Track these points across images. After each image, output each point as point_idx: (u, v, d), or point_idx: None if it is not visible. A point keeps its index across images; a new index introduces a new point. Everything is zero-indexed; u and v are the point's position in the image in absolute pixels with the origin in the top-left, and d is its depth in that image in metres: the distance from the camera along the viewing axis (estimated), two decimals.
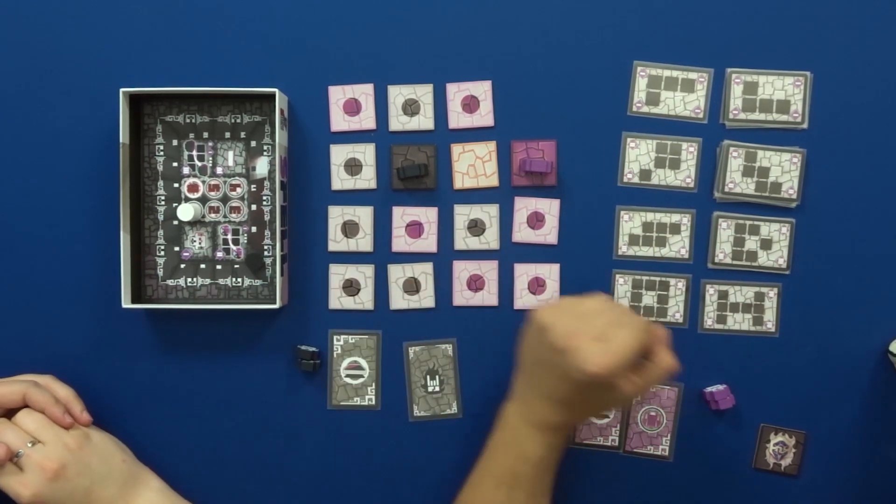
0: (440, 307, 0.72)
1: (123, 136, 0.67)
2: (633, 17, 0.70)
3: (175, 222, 0.71)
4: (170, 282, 0.71)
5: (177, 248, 0.71)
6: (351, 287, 0.72)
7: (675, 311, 0.72)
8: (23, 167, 0.71)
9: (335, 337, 0.72)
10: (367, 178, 0.71)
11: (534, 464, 0.63)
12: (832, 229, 0.71)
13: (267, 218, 0.71)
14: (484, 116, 0.71)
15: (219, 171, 0.71)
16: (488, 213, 0.72)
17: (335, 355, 0.72)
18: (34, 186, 0.71)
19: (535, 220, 0.71)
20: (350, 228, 0.71)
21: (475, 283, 0.72)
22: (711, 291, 0.72)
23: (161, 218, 0.71)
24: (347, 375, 0.73)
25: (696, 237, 0.71)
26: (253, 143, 0.71)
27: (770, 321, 0.72)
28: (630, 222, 0.71)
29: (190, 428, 0.73)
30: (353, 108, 0.71)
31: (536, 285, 0.72)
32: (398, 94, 0.71)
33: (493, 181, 0.72)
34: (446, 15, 0.71)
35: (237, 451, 0.73)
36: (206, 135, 0.71)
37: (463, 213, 0.72)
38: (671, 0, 0.70)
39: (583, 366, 0.57)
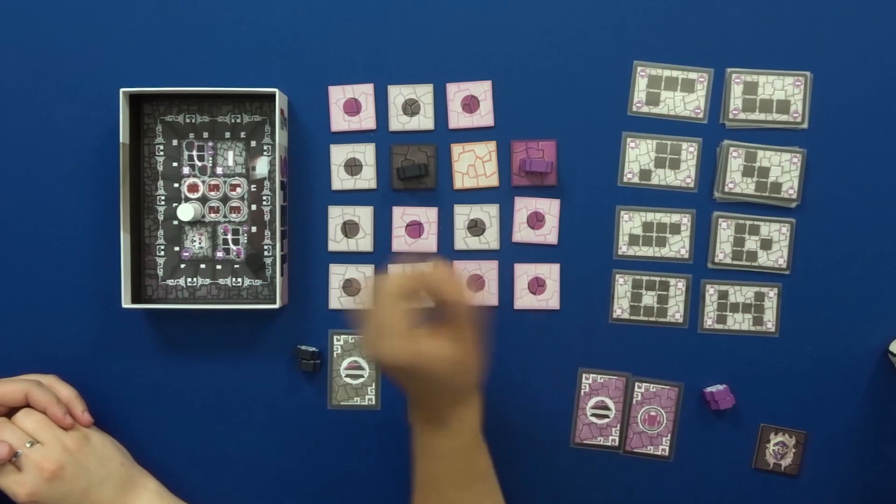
0: None
1: (123, 136, 0.67)
2: (633, 17, 0.70)
3: (175, 222, 0.71)
4: (170, 282, 0.71)
5: (177, 248, 0.71)
6: (351, 287, 0.72)
7: (675, 311, 0.72)
8: (23, 167, 0.71)
9: (335, 337, 0.72)
10: (367, 178, 0.71)
11: (449, 457, 0.61)
12: (832, 229, 0.71)
13: (267, 218, 0.71)
14: (484, 116, 0.71)
15: (219, 171, 0.71)
16: (488, 213, 0.72)
17: (335, 355, 0.72)
18: (34, 186, 0.71)
19: (535, 220, 0.71)
20: (350, 228, 0.71)
21: (475, 283, 0.72)
22: (711, 291, 0.72)
23: (161, 218, 0.71)
24: (347, 375, 0.73)
25: (696, 237, 0.71)
26: (253, 143, 0.71)
27: (770, 321, 0.72)
28: (630, 222, 0.71)
29: (190, 428, 0.72)
30: (353, 108, 0.71)
31: (536, 285, 0.72)
32: (398, 94, 0.71)
33: (493, 181, 0.72)
34: (446, 15, 0.71)
35: (237, 451, 0.73)
36: (206, 135, 0.71)
37: (463, 213, 0.72)
38: (671, 0, 0.70)
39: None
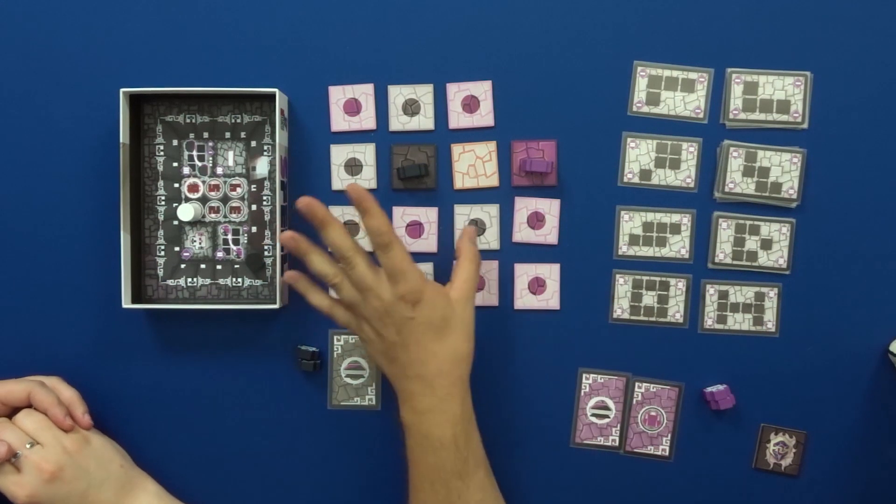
0: None
1: (123, 136, 0.67)
2: (633, 17, 0.70)
3: (175, 222, 0.71)
4: (170, 282, 0.71)
5: (177, 248, 0.71)
6: None
7: (676, 311, 0.72)
8: (23, 167, 0.71)
9: (335, 337, 0.72)
10: (367, 178, 0.71)
11: (451, 444, 0.63)
12: (832, 229, 0.71)
13: (267, 218, 0.71)
14: (484, 116, 0.71)
15: (219, 171, 0.71)
16: (488, 213, 0.72)
17: (335, 355, 0.72)
18: (34, 186, 0.71)
19: (536, 220, 0.71)
20: (350, 228, 0.71)
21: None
22: (711, 291, 0.72)
23: (161, 218, 0.71)
24: (347, 375, 0.73)
25: (697, 237, 0.71)
26: (253, 143, 0.71)
27: (770, 321, 0.72)
28: (630, 222, 0.71)
29: (190, 428, 0.72)
30: (353, 108, 0.71)
31: (536, 285, 0.72)
32: (398, 94, 0.71)
33: (494, 181, 0.72)
34: (446, 15, 0.71)
35: (237, 451, 0.73)
36: (206, 135, 0.71)
37: (463, 213, 0.72)
38: (671, 0, 0.70)
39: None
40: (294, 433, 0.73)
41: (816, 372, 0.72)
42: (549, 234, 0.71)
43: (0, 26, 0.70)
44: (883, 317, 0.71)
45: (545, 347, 0.72)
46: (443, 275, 0.71)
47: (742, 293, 0.71)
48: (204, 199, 0.71)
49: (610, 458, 0.73)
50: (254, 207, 0.71)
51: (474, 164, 0.71)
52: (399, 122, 0.71)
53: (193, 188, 0.71)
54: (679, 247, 0.71)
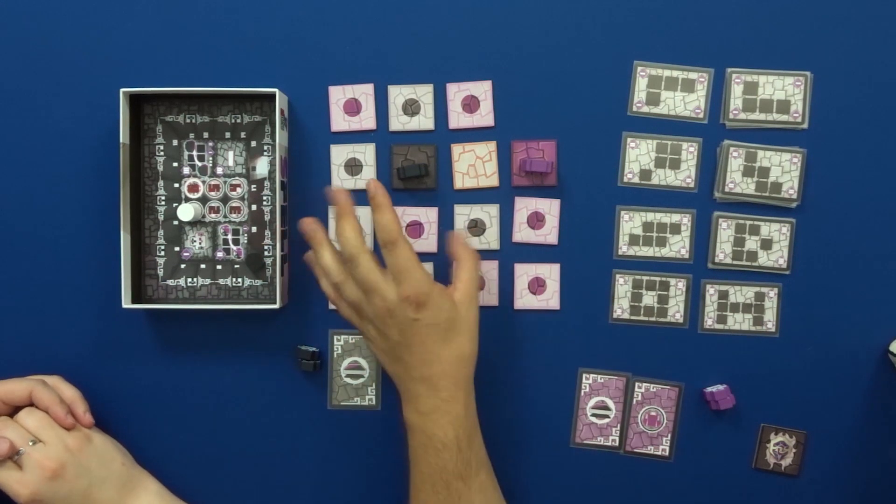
0: None
1: (123, 136, 0.67)
2: (633, 17, 0.70)
3: (175, 222, 0.71)
4: (170, 282, 0.71)
5: (177, 248, 0.71)
6: None
7: (676, 311, 0.72)
8: (23, 167, 0.71)
9: (335, 337, 0.72)
10: (367, 179, 0.71)
11: (454, 446, 0.62)
12: (832, 229, 0.71)
13: (267, 218, 0.71)
14: (484, 116, 0.71)
15: (219, 171, 0.71)
16: (488, 213, 0.72)
17: (335, 355, 0.72)
18: (34, 186, 0.71)
19: (536, 220, 0.71)
20: None
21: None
22: (711, 291, 0.72)
23: (161, 218, 0.71)
24: (347, 375, 0.73)
25: (697, 237, 0.71)
26: (253, 143, 0.71)
27: (770, 321, 0.72)
28: (630, 222, 0.71)
29: (190, 428, 0.73)
30: (353, 108, 0.71)
31: (536, 285, 0.72)
32: (398, 94, 0.71)
33: (494, 181, 0.72)
34: (446, 15, 0.71)
35: (237, 451, 0.73)
36: (206, 135, 0.71)
37: (463, 213, 0.72)
38: (671, 0, 0.70)
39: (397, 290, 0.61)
40: (294, 433, 0.73)
41: (816, 372, 0.72)
42: (549, 234, 0.72)
43: (0, 26, 0.70)
44: (883, 317, 0.71)
45: (545, 347, 0.72)
46: (443, 275, 0.71)
47: (742, 293, 0.71)
48: (204, 199, 0.71)
49: (610, 458, 0.73)
50: (254, 207, 0.71)
51: (474, 164, 0.71)
52: (399, 122, 0.71)
53: (193, 188, 0.71)
54: (679, 247, 0.71)
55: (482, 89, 0.71)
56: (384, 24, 0.71)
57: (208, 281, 0.71)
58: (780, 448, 0.72)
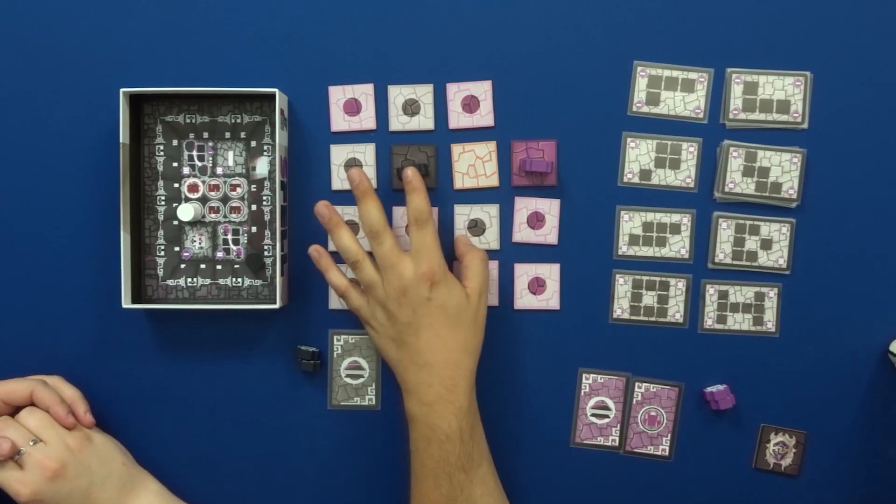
0: None
1: (123, 136, 0.68)
2: (633, 17, 0.70)
3: (175, 222, 0.71)
4: (170, 282, 0.71)
5: (177, 248, 0.71)
6: None
7: (675, 311, 0.72)
8: (23, 167, 0.71)
9: (335, 337, 0.72)
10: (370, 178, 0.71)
11: (456, 437, 0.63)
12: (832, 229, 0.71)
13: (267, 218, 0.71)
14: (484, 116, 0.71)
15: (219, 171, 0.71)
16: (488, 213, 0.72)
17: (335, 355, 0.72)
18: (34, 186, 0.71)
19: (536, 220, 0.71)
20: (352, 228, 0.71)
21: None
22: (711, 291, 0.72)
23: (161, 218, 0.71)
24: (347, 375, 0.73)
25: (697, 237, 0.71)
26: (253, 143, 0.71)
27: (770, 321, 0.72)
28: (630, 222, 0.71)
29: (190, 428, 0.73)
30: (353, 108, 0.71)
31: (536, 285, 0.72)
32: (398, 94, 0.71)
33: (494, 181, 0.72)
34: (446, 15, 0.71)
35: (237, 451, 0.73)
36: (206, 135, 0.71)
37: (463, 213, 0.72)
38: (671, 0, 0.70)
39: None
40: (294, 433, 0.73)
41: (816, 372, 0.72)
42: (549, 234, 0.72)
43: (0, 26, 0.70)
44: (883, 317, 0.71)
45: (545, 347, 0.72)
46: None
47: (742, 293, 0.71)
48: (204, 199, 0.71)
49: (610, 458, 0.73)
50: (254, 207, 0.71)
51: (474, 164, 0.71)
52: (399, 122, 0.71)
53: (193, 188, 0.71)
54: (679, 247, 0.71)
55: (482, 89, 0.71)
56: (384, 24, 0.71)
57: (208, 281, 0.71)
58: (779, 448, 0.72)
